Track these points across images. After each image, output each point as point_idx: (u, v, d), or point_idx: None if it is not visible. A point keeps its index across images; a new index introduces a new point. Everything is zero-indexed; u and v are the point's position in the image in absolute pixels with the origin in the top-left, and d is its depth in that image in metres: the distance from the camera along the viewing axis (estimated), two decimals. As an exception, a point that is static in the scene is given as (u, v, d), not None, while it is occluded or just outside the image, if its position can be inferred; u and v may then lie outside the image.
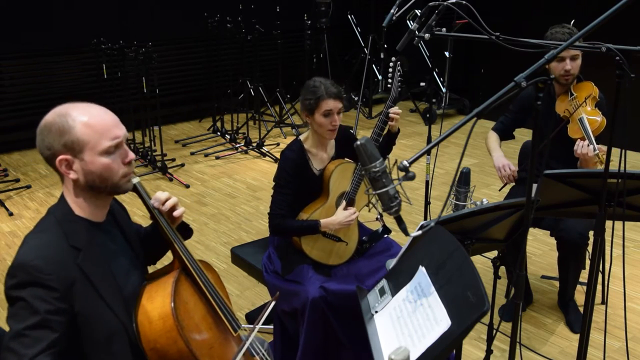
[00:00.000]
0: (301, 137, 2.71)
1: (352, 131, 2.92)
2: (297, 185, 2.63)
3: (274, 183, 2.68)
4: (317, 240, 2.65)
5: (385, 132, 2.72)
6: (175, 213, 1.84)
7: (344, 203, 2.68)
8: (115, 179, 1.64)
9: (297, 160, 2.63)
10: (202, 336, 1.73)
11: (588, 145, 2.78)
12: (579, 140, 2.84)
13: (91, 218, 1.67)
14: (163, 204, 1.82)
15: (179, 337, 1.65)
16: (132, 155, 1.67)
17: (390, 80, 2.75)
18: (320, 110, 2.56)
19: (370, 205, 2.86)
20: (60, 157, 1.59)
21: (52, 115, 1.61)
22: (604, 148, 2.74)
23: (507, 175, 3.15)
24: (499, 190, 3.41)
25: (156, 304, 1.68)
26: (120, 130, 1.64)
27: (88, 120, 1.59)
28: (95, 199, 1.67)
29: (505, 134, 3.32)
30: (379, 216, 2.83)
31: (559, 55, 2.89)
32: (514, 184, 3.27)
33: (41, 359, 1.48)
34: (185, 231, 1.99)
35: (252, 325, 1.86)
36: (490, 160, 3.28)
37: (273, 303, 1.93)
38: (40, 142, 1.62)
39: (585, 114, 2.88)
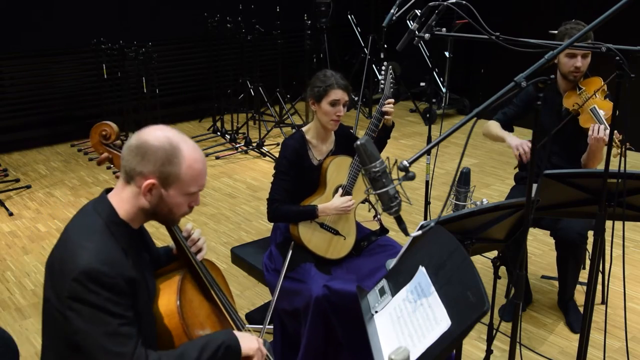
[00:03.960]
0: (304, 129, 2.78)
1: (352, 131, 2.94)
2: (296, 173, 2.68)
3: (274, 171, 2.73)
4: (315, 231, 2.68)
5: (380, 127, 2.75)
6: (199, 256, 1.90)
7: (340, 191, 2.71)
8: (177, 216, 1.70)
9: (298, 149, 2.69)
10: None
11: (605, 130, 2.76)
12: (593, 125, 2.83)
13: (132, 224, 1.68)
14: (193, 240, 1.91)
15: (184, 335, 1.66)
16: (199, 203, 1.74)
17: (382, 83, 2.79)
18: (328, 98, 2.62)
19: (370, 206, 2.87)
20: (150, 181, 1.59)
21: (163, 140, 1.59)
22: (619, 135, 2.70)
23: (526, 153, 3.04)
24: (514, 168, 3.36)
25: (162, 302, 1.70)
26: (205, 180, 1.70)
27: (193, 164, 1.62)
28: (145, 216, 1.69)
29: (505, 125, 3.28)
30: (377, 216, 2.84)
31: (571, 52, 2.92)
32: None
33: (139, 351, 1.53)
34: None
35: (254, 326, 1.87)
36: (490, 160, 3.28)
37: (290, 252, 1.91)
38: (134, 156, 1.59)
39: (596, 105, 2.89)
